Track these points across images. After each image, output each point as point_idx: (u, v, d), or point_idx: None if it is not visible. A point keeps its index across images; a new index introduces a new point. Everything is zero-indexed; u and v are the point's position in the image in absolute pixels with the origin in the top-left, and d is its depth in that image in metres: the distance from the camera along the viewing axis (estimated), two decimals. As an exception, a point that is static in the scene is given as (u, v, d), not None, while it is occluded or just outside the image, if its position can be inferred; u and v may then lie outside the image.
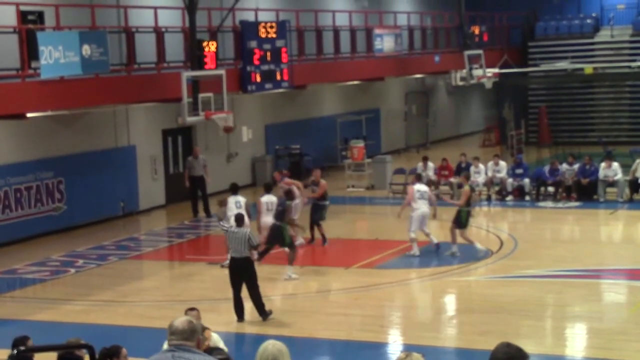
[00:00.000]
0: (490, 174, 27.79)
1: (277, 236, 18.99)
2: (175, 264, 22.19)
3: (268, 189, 20.80)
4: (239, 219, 16.06)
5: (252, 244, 15.55)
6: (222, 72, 24.12)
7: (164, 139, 28.53)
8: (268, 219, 19.79)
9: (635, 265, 19.13)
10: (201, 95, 23.55)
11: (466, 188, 20.81)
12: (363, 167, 32.51)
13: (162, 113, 27.40)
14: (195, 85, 23.40)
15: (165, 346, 10.55)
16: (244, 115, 30.17)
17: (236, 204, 19.94)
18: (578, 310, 16.04)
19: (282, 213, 19.29)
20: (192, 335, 6.38)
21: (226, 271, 19.84)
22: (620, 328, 14.78)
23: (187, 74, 23.07)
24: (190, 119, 23.65)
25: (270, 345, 6.26)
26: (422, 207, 20.51)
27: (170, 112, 26.54)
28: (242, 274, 15.61)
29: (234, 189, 20.62)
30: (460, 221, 20.19)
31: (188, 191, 26.82)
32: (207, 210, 26.37)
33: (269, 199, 20.37)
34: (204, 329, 10.73)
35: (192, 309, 10.90)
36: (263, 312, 15.63)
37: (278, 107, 33.05)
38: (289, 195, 20.01)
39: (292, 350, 6.46)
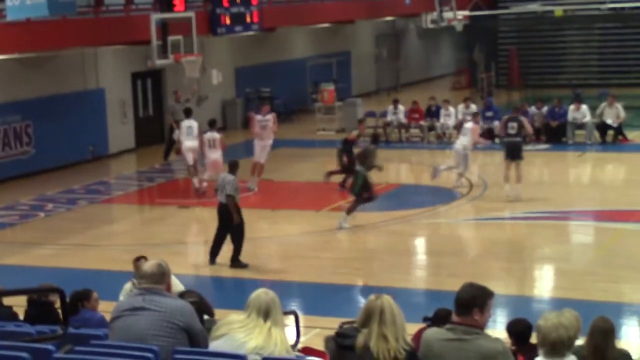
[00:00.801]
0: (460, 117, 27.82)
1: (355, 181, 18.10)
2: (145, 207, 22.15)
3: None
4: (232, 165, 15.90)
5: (226, 192, 15.45)
6: (191, 14, 23.88)
7: (133, 82, 28.29)
8: (212, 155, 20.71)
9: (602, 206, 19.33)
10: (170, 38, 23.35)
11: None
12: (333, 110, 32.44)
13: (131, 56, 27.14)
14: (165, 28, 23.18)
15: (127, 286, 10.66)
16: (214, 58, 29.95)
17: (188, 129, 21.15)
18: (546, 251, 16.22)
19: (364, 157, 18.15)
20: (162, 278, 6.38)
21: (196, 214, 19.91)
22: (587, 269, 14.97)
23: (156, 16, 22.83)
24: (160, 62, 23.46)
25: (263, 293, 6.30)
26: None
27: (140, 55, 26.28)
28: (221, 218, 15.58)
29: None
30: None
31: (168, 135, 26.44)
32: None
33: (211, 136, 20.93)
34: None
35: (139, 259, 10.81)
36: (235, 260, 15.54)
37: (248, 50, 32.83)
38: (375, 139, 19.36)
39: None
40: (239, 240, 15.50)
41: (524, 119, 20.78)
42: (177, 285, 10.50)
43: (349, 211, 17.99)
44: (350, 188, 18.53)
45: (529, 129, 21.10)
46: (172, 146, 25.76)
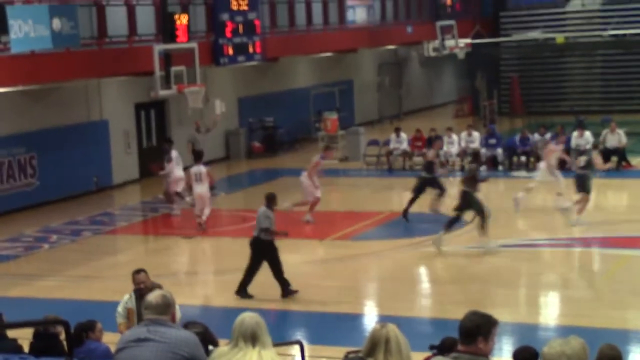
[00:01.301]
0: (463, 144, 27.88)
1: (467, 202, 18.33)
2: (149, 238, 22.16)
3: (198, 158, 21.36)
4: (267, 198, 15.66)
5: (260, 225, 15.30)
6: (194, 45, 24.02)
7: (136, 113, 28.39)
8: (198, 189, 20.69)
9: (605, 233, 19.30)
10: (173, 69, 23.47)
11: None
12: (336, 139, 32.52)
13: (134, 87, 27.25)
14: (167, 59, 23.30)
15: (126, 297, 10.78)
16: (217, 88, 30.06)
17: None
18: (551, 278, 16.20)
19: (473, 180, 18.44)
20: (166, 309, 6.36)
21: (200, 245, 19.90)
22: (591, 296, 14.94)
23: (158, 47, 22.97)
24: (163, 93, 23.56)
25: (247, 318, 6.26)
26: None
27: (143, 85, 26.39)
28: (253, 252, 15.46)
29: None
30: None
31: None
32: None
33: (197, 170, 20.88)
34: None
35: (139, 272, 10.93)
36: (284, 289, 15.33)
37: (251, 79, 32.95)
38: (476, 158, 20.05)
39: (267, 323, 6.50)
40: (277, 269, 15.36)
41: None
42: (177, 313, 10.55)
43: (484, 231, 18.02)
44: (459, 208, 18.43)
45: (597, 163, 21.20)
46: None
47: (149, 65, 22.73)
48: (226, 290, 15.77)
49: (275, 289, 16.17)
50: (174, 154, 23.06)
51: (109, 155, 26.98)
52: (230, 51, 26.58)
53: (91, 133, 26.31)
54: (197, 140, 25.88)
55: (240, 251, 18.93)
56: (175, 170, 22.71)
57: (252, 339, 6.12)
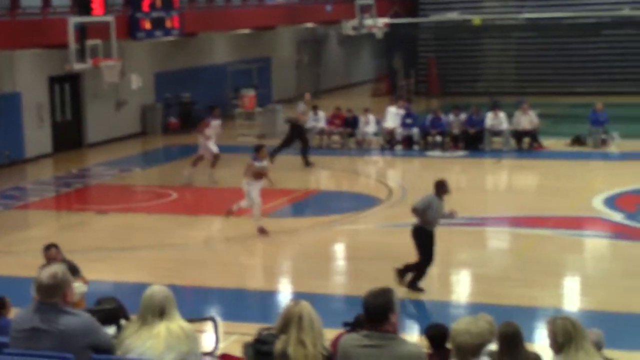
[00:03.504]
0: (394, 119, 28.07)
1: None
2: (62, 213, 21.85)
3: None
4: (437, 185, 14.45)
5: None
6: (110, 18, 23.66)
7: (50, 86, 27.89)
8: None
9: (518, 212, 19.67)
10: (89, 42, 23.09)
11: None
12: (254, 115, 32.42)
13: (48, 60, 26.75)
14: (83, 32, 22.91)
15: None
16: (134, 62, 29.68)
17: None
18: (463, 257, 16.45)
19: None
20: (57, 291, 6.01)
21: (114, 220, 19.71)
22: (502, 274, 15.21)
23: (74, 20, 22.56)
24: (78, 66, 23.17)
25: (156, 292, 6.22)
26: None
27: (57, 58, 25.90)
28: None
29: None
30: None
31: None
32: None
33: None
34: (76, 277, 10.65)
35: (49, 247, 10.77)
36: (412, 282, 14.31)
37: (168, 55, 32.63)
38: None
39: (181, 299, 6.49)
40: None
41: None
42: (80, 288, 10.46)
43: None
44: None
45: None
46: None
47: (64, 37, 22.32)
48: (139, 266, 15.66)
49: (191, 265, 16.12)
50: (214, 122, 23.06)
51: (21, 128, 26.47)
52: (148, 25, 26.26)
53: (3, 106, 25.77)
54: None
55: (154, 227, 18.87)
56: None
57: (160, 312, 6.08)
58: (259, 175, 17.75)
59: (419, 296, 14.06)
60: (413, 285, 14.15)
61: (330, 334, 7.08)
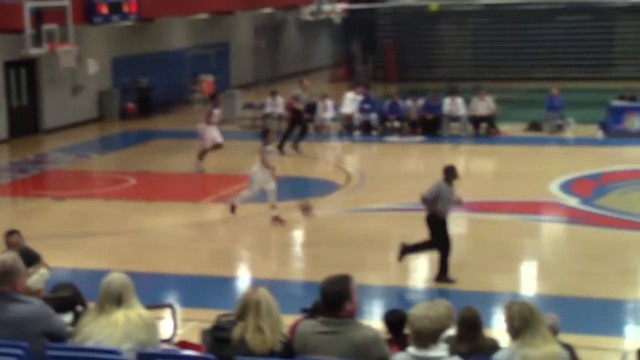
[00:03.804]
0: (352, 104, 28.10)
1: None
2: (19, 199, 21.65)
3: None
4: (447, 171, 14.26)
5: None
6: (66, 3, 23.43)
7: (5, 72, 27.56)
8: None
9: (475, 198, 19.78)
10: (45, 27, 22.85)
11: None
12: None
13: (3, 44, 26.42)
14: (39, 16, 22.66)
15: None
16: (91, 47, 29.43)
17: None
18: (421, 242, 16.51)
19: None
20: (6, 279, 5.99)
21: (71, 207, 19.57)
22: (460, 259, 15.30)
23: (29, 4, 22.31)
24: (34, 51, 22.94)
25: (114, 279, 6.19)
26: None
27: (13, 43, 25.60)
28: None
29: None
30: None
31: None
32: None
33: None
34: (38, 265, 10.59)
35: (11, 233, 10.69)
36: (440, 276, 14.10)
37: (126, 39, 32.38)
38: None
39: (140, 286, 6.47)
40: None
41: None
42: (37, 282, 10.40)
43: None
44: None
45: None
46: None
47: (19, 22, 22.07)
48: (97, 253, 15.57)
49: (148, 251, 16.06)
50: (217, 111, 23.02)
51: (-24, 114, 26.18)
52: (105, 10, 26.02)
53: (-43, 91, 25.46)
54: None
55: (112, 213, 18.77)
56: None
57: (118, 300, 6.07)
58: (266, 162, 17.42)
59: (377, 282, 14.13)
60: (442, 279, 13.93)
61: (288, 320, 7.10)
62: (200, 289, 14.25)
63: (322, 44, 48.18)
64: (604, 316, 12.57)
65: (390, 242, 16.55)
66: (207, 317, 8.63)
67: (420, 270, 15.48)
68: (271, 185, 17.40)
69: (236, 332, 5.95)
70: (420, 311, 5.89)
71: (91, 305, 6.46)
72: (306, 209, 17.78)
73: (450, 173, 14.24)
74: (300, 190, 20.87)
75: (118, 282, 6.15)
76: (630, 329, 12.17)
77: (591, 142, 25.78)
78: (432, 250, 14.26)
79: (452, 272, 14.02)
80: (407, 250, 14.40)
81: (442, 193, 14.01)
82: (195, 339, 7.73)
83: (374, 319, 12.06)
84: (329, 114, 28.15)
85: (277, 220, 17.39)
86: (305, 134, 25.33)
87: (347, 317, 5.88)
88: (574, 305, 12.92)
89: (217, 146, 22.79)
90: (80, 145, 27.03)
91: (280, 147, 23.48)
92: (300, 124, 25.31)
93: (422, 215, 18.02)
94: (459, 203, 14.51)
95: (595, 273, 14.30)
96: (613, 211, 18.19)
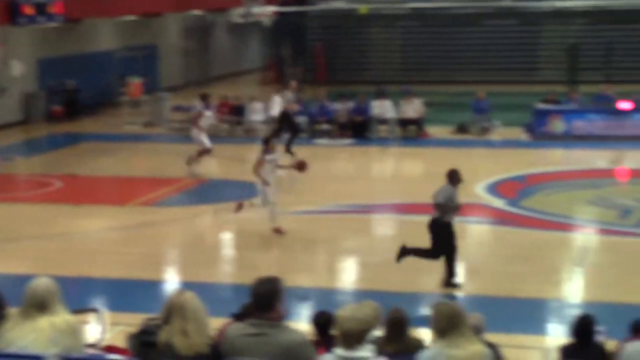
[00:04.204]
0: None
1: None
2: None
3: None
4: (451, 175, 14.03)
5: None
6: (-10, 3, 23.05)
7: None
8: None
9: (403, 199, 19.95)
10: (-32, 27, 22.47)
11: None
12: (140, 103, 32.06)
13: None
14: (-39, 17, 22.27)
15: None
16: (15, 49, 28.99)
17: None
18: (349, 244, 16.61)
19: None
20: None
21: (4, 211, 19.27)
22: (387, 261, 15.41)
23: (-48, 5, 21.91)
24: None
25: (39, 285, 6.13)
26: None
27: None
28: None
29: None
30: None
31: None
32: None
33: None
34: None
35: None
36: (447, 282, 13.93)
37: (52, 41, 31.95)
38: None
39: (66, 290, 6.41)
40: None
41: None
42: None
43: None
44: None
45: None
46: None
47: (-59, 22, 21.68)
48: (22, 257, 15.35)
49: (74, 255, 15.87)
50: (208, 113, 23.03)
51: None
52: (29, 11, 25.62)
53: None
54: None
55: (37, 217, 18.51)
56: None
57: (43, 305, 6.01)
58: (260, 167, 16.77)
59: (306, 284, 14.16)
60: (449, 284, 13.80)
61: (217, 323, 7.09)
62: (127, 293, 14.13)
63: (252, 46, 48.12)
64: (528, 315, 12.77)
65: (319, 244, 16.62)
66: (134, 321, 8.57)
67: (348, 271, 15.56)
68: (272, 197, 16.89)
69: (162, 335, 5.93)
70: (347, 312, 5.92)
71: (13, 310, 6.37)
72: (301, 167, 17.34)
73: (455, 176, 14.00)
74: (229, 192, 20.79)
75: (43, 287, 6.09)
76: (552, 327, 12.38)
77: (517, 144, 26.16)
78: (432, 259, 13.92)
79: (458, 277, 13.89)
80: (407, 252, 14.15)
81: (453, 197, 13.84)
82: (122, 343, 7.67)
83: (301, 321, 12.10)
84: (258, 116, 28.12)
85: (277, 231, 16.80)
86: (295, 137, 25.06)
87: (277, 319, 5.90)
88: (499, 305, 13.10)
89: (205, 151, 22.46)
90: (4, 147, 26.60)
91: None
92: (290, 127, 25.11)
93: (350, 217, 18.12)
94: (457, 209, 14.16)
95: (520, 273, 14.52)
96: (538, 212, 18.49)
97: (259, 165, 16.86)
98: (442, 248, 13.84)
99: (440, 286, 13.83)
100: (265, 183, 16.78)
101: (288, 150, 23.89)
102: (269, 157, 16.96)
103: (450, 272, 13.90)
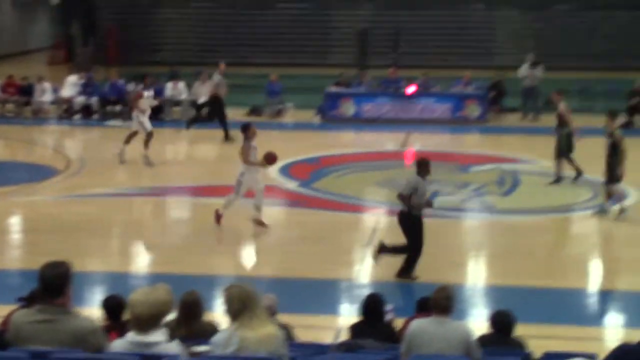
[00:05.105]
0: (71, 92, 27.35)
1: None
2: None
3: None
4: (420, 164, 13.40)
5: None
6: None
7: None
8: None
9: (197, 182, 19.92)
10: None
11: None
12: None
13: None
14: None
15: None
16: None
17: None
18: (143, 227, 16.46)
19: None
20: None
21: None
22: (182, 244, 15.39)
23: None
24: None
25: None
26: None
27: None
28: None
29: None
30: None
31: None
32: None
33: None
34: None
35: None
36: (402, 273, 13.43)
37: None
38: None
39: None
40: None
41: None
42: None
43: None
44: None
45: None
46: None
47: None
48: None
49: None
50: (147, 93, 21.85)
51: None
52: None
53: None
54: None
55: None
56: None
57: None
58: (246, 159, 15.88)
59: (98, 268, 13.91)
60: (404, 275, 13.36)
61: (4, 310, 6.88)
62: None
63: (40, 24, 46.54)
64: (320, 296, 13.05)
65: (111, 228, 16.36)
66: None
67: (142, 255, 15.41)
68: (260, 185, 16.16)
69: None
70: (139, 296, 5.89)
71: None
72: (270, 159, 16.30)
73: (424, 167, 13.34)
74: (17, 175, 20.13)
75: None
76: (344, 307, 12.68)
77: (309, 126, 26.59)
78: (413, 253, 13.36)
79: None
80: (384, 250, 13.57)
81: (419, 187, 13.22)
82: None
83: (94, 306, 11.90)
84: (47, 97, 27.30)
85: (258, 223, 16.13)
86: (224, 121, 24.14)
87: (65, 304, 5.78)
88: (293, 286, 13.31)
89: (149, 135, 21.21)
90: None
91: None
92: (218, 112, 24.30)
93: (144, 200, 17.95)
94: (428, 205, 13.54)
95: (312, 254, 14.78)
96: (330, 194, 18.88)
97: (245, 153, 16.00)
98: (418, 240, 13.32)
99: (395, 276, 13.39)
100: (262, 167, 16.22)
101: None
102: (253, 143, 16.15)
103: (408, 264, 13.36)
